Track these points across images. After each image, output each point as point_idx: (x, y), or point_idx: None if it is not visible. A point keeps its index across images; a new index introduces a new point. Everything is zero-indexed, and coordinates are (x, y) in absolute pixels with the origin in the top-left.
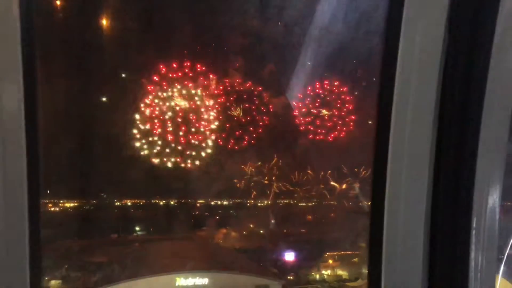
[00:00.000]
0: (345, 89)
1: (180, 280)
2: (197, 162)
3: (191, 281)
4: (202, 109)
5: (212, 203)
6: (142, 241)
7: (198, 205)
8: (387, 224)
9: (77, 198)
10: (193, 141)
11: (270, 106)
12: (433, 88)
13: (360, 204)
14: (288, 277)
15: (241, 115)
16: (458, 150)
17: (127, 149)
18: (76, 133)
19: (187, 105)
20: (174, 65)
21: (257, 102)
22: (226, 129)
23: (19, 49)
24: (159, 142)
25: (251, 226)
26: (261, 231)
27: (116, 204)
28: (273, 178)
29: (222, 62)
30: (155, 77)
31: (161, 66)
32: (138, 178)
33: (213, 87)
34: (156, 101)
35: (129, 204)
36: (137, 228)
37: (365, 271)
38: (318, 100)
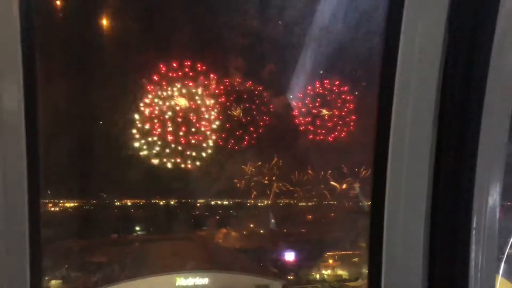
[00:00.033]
0: (345, 88)
1: (180, 280)
2: (197, 162)
3: (191, 281)
4: (203, 109)
5: (212, 203)
6: (142, 241)
7: (198, 205)
8: (387, 224)
9: (77, 198)
10: (193, 141)
11: (271, 106)
12: (433, 88)
13: (360, 204)
14: (288, 277)
15: (241, 115)
16: (458, 150)
17: (127, 149)
18: (76, 133)
19: (187, 105)
20: (174, 65)
21: (257, 102)
22: (226, 129)
23: (19, 49)
24: (159, 142)
25: (251, 226)
26: (261, 231)
27: (116, 204)
28: (273, 178)
29: (222, 62)
30: (155, 77)
31: (161, 66)
32: (138, 178)
33: (213, 87)
34: (156, 100)
35: (129, 204)
36: (137, 228)
37: (365, 271)
38: (319, 99)
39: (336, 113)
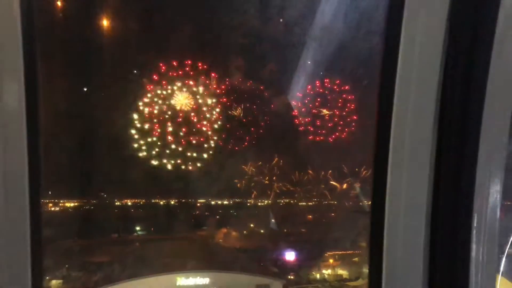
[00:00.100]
0: (346, 88)
1: (181, 280)
2: (197, 162)
3: (191, 280)
4: (204, 108)
5: (213, 202)
6: (142, 241)
7: (198, 204)
8: (388, 224)
9: (78, 197)
10: (193, 141)
11: (271, 106)
12: (434, 88)
13: (361, 203)
14: (289, 277)
15: (241, 115)
16: (458, 150)
17: (128, 149)
18: (77, 133)
19: (188, 105)
20: (174, 64)
21: (258, 101)
22: (227, 129)
23: (20, 48)
24: (159, 143)
25: (252, 225)
26: (262, 231)
27: (116, 204)
28: (274, 178)
29: (222, 61)
30: (155, 77)
31: (162, 66)
32: (138, 177)
33: (214, 86)
34: (156, 100)
35: (129, 204)
36: (138, 228)
37: (365, 270)
38: (319, 99)
39: (337, 112)
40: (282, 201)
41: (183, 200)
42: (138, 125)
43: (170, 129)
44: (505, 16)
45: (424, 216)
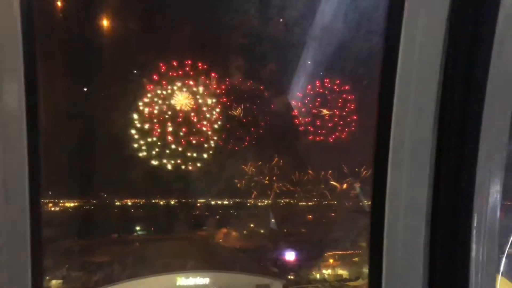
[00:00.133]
0: (346, 88)
1: (181, 280)
2: (197, 162)
3: (192, 280)
4: (204, 108)
5: (213, 202)
6: (142, 241)
7: (198, 204)
8: (388, 224)
9: (78, 197)
10: (193, 141)
11: (271, 106)
12: (434, 88)
13: (361, 203)
14: (289, 277)
15: (241, 115)
16: (458, 150)
17: (128, 149)
18: (77, 133)
19: (188, 105)
20: (175, 64)
21: (258, 101)
22: (227, 129)
23: (20, 48)
24: (159, 143)
25: (252, 225)
26: (262, 231)
27: (116, 203)
28: (274, 178)
29: (223, 61)
30: (155, 77)
31: (162, 66)
32: (138, 177)
33: (214, 86)
34: (156, 100)
35: (129, 203)
36: (138, 228)
37: (365, 270)
38: (319, 99)
39: (337, 112)
40: (282, 201)
41: (183, 200)
42: (138, 125)
43: (170, 129)
44: (505, 16)
45: (424, 216)
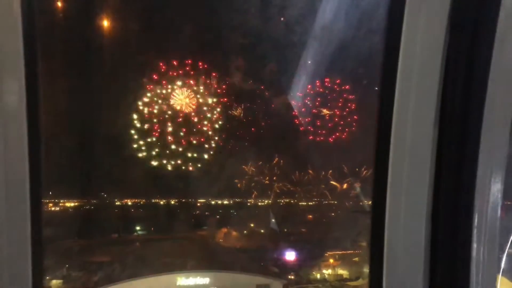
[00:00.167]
0: (346, 87)
1: (181, 280)
2: (197, 162)
3: (192, 280)
4: (204, 108)
5: (213, 202)
6: (142, 240)
7: (198, 204)
8: (388, 223)
9: (78, 197)
10: (193, 141)
11: (272, 106)
12: (435, 87)
13: (361, 203)
14: (289, 276)
15: (242, 114)
16: (459, 149)
17: (128, 149)
18: (77, 133)
19: (188, 105)
20: (175, 63)
21: (258, 101)
22: (227, 129)
23: (21, 48)
24: (159, 143)
25: (252, 225)
26: (262, 231)
27: (116, 203)
28: (274, 178)
29: (223, 61)
30: (155, 76)
31: (162, 65)
32: (138, 177)
33: (214, 86)
34: (156, 100)
35: (129, 203)
36: (138, 228)
37: (366, 270)
38: (319, 99)
39: (337, 112)
40: (282, 201)
41: (183, 200)
42: (138, 125)
43: (170, 129)
44: (505, 16)
45: (424, 215)
